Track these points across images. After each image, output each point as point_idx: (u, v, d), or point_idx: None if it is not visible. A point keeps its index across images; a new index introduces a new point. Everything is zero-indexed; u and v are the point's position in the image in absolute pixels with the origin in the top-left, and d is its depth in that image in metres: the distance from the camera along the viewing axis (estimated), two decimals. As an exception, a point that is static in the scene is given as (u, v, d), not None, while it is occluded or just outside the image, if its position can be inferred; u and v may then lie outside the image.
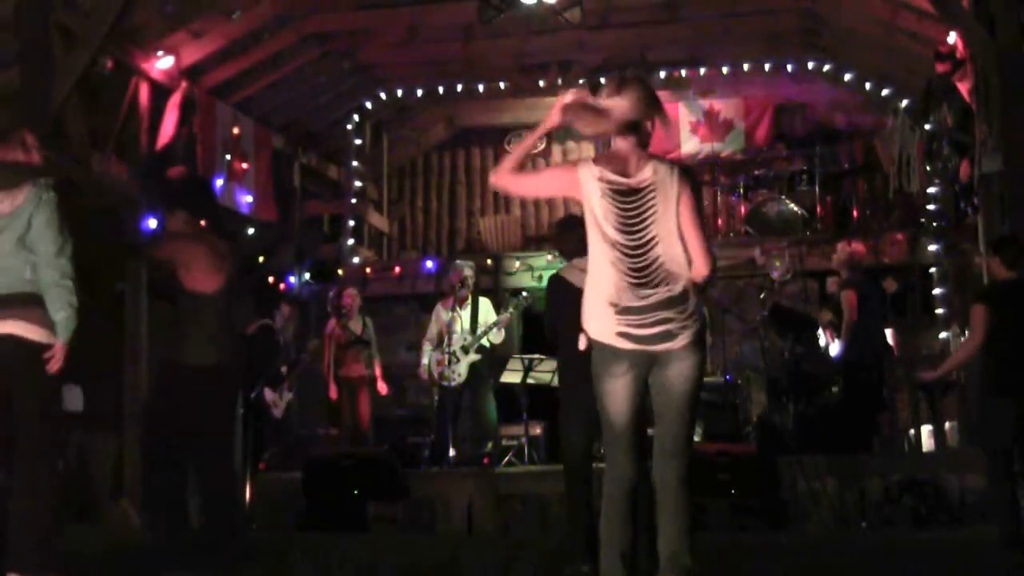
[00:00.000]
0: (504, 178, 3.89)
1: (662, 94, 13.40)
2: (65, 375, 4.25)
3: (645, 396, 3.67)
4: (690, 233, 3.63)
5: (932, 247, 10.24)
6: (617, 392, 3.62)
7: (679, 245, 3.62)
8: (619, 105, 3.69)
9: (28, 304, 4.11)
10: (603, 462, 3.78)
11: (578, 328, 3.88)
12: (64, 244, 4.17)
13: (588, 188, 3.68)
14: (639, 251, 3.59)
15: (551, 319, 5.34)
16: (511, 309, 8.93)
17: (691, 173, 3.75)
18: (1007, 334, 5.52)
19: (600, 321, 3.63)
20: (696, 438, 9.04)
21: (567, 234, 5.30)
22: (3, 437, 4.09)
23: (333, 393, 9.43)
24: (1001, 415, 5.46)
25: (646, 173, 3.64)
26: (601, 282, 3.62)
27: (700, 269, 3.64)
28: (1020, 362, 5.46)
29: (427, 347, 9.15)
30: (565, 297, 5.01)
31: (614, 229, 3.61)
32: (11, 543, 3.98)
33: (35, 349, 4.10)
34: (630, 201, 3.62)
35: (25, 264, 4.12)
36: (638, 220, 3.61)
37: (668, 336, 3.56)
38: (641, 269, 3.59)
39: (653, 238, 3.60)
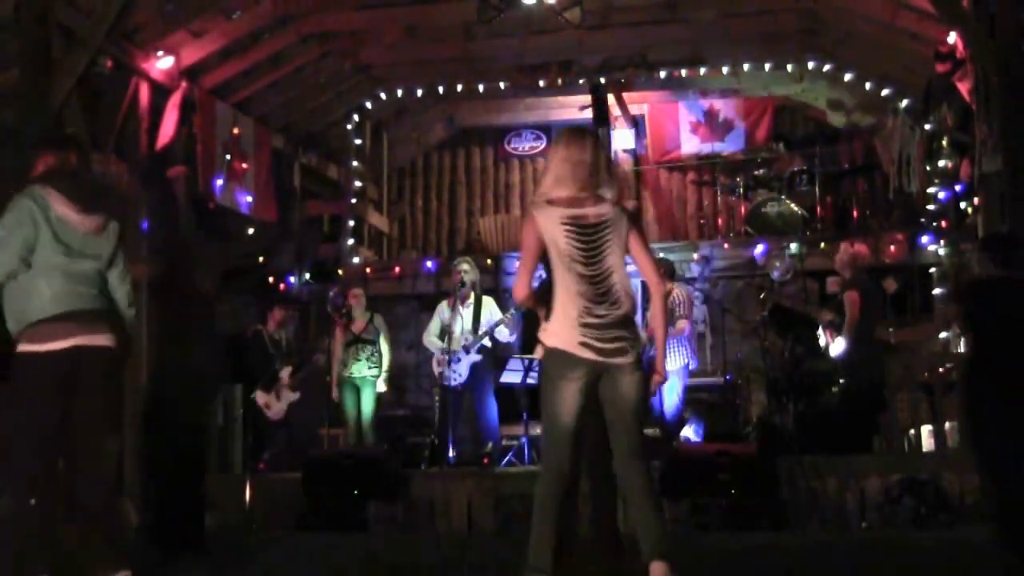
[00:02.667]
0: (523, 293, 4.38)
1: (662, 94, 13.53)
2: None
3: (587, 405, 4.10)
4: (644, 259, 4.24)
5: (932, 247, 10.24)
6: (568, 396, 4.07)
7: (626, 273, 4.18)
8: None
9: (113, 317, 4.33)
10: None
11: None
12: (128, 284, 4.48)
13: (550, 227, 4.16)
14: (599, 277, 4.11)
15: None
16: (512, 310, 8.93)
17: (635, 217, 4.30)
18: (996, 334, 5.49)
19: (564, 334, 4.10)
20: (696, 438, 9.10)
21: None
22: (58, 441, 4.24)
23: (335, 393, 9.42)
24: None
25: (603, 210, 4.16)
26: (567, 302, 4.12)
27: (657, 286, 4.26)
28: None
29: (433, 339, 9.09)
30: None
31: (577, 260, 4.12)
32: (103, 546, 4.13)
33: (118, 359, 4.33)
34: (590, 235, 4.14)
35: (104, 281, 4.36)
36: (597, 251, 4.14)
37: (622, 351, 4.06)
38: (602, 293, 4.11)
39: (610, 266, 4.13)
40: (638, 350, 4.12)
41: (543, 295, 5.43)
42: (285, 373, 9.24)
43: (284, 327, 9.57)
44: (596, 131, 3.77)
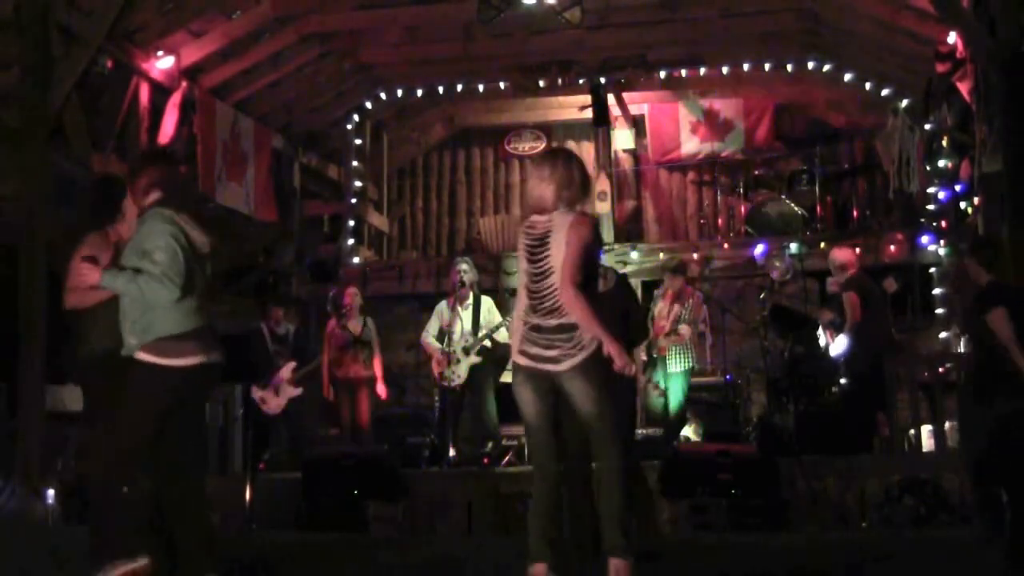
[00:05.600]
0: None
1: (662, 94, 13.53)
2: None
3: (554, 403, 4.31)
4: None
5: (932, 247, 10.24)
6: (525, 400, 4.33)
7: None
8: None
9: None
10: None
11: None
12: None
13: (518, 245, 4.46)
14: (540, 286, 4.31)
15: None
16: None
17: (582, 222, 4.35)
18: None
19: (513, 342, 4.41)
20: (696, 438, 9.09)
21: None
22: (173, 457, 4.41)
23: (328, 392, 9.40)
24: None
25: (549, 220, 4.36)
26: (519, 312, 4.40)
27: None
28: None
29: (430, 340, 9.09)
30: None
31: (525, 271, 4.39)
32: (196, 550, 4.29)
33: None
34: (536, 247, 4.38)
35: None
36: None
37: (555, 359, 4.25)
38: (541, 301, 4.31)
39: (549, 275, 4.30)
40: (580, 358, 4.23)
41: None
42: (287, 368, 9.22)
43: (285, 324, 9.56)
44: (569, 153, 3.83)
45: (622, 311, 5.29)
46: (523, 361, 4.33)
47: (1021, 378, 5.36)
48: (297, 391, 9.27)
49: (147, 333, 4.26)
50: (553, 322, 4.28)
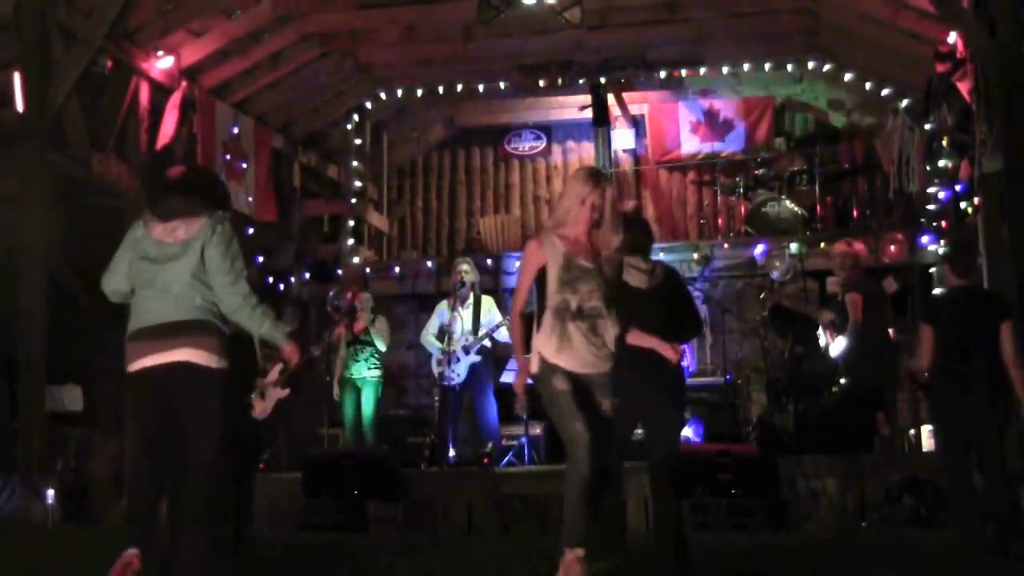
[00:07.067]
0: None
1: (662, 94, 13.48)
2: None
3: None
4: None
5: (932, 247, 10.23)
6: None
7: None
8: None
9: (199, 330, 4.19)
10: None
11: (626, 330, 4.55)
12: (239, 276, 4.27)
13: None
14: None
15: None
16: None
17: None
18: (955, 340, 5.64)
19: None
20: (695, 438, 9.09)
21: (626, 231, 5.25)
22: (170, 450, 4.19)
23: (335, 393, 9.39)
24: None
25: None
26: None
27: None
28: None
29: (430, 339, 9.08)
30: (619, 298, 4.96)
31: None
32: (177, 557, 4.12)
33: (206, 374, 4.17)
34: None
35: (196, 292, 4.22)
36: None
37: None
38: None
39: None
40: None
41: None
42: (274, 371, 9.17)
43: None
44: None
45: (670, 306, 5.06)
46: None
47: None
48: (284, 393, 9.21)
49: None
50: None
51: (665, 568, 4.69)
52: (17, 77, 7.93)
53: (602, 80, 11.67)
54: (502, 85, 12.13)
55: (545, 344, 4.33)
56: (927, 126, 9.68)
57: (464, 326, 8.88)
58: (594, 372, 4.32)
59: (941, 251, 9.98)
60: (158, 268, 4.20)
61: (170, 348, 4.14)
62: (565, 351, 4.29)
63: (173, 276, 4.19)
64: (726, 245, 11.34)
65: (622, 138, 12.81)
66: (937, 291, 10.26)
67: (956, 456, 5.70)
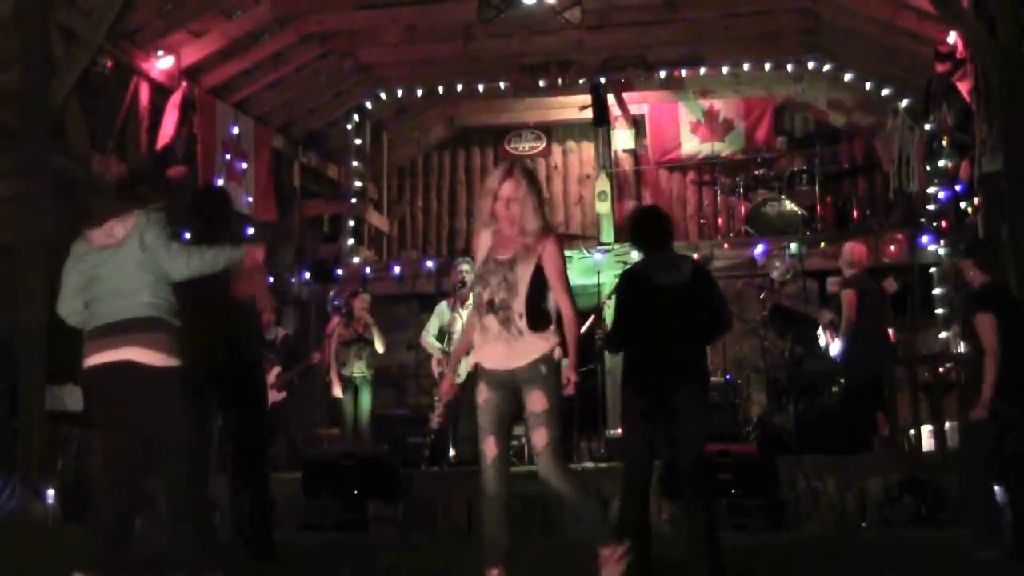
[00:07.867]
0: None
1: (662, 94, 13.47)
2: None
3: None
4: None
5: (932, 247, 10.23)
6: None
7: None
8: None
9: (147, 328, 4.20)
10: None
11: (651, 328, 4.76)
12: (179, 245, 4.33)
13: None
14: None
15: (623, 317, 5.07)
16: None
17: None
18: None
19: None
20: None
21: (650, 227, 5.18)
22: (135, 460, 4.22)
23: (336, 391, 9.38)
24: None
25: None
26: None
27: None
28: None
29: (430, 340, 9.09)
30: (643, 295, 4.96)
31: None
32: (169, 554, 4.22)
33: (150, 373, 4.17)
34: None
35: (143, 287, 4.23)
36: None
37: None
38: None
39: None
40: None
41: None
42: (272, 374, 9.18)
43: (276, 328, 9.52)
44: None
45: (698, 304, 4.91)
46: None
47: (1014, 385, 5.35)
48: (280, 396, 9.23)
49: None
50: None
51: (698, 570, 4.66)
52: (17, 77, 7.93)
53: (602, 80, 11.67)
54: (502, 85, 12.12)
55: (475, 339, 4.33)
56: (927, 126, 9.69)
57: (464, 326, 8.86)
58: (517, 367, 4.17)
59: (941, 251, 10.01)
60: (105, 271, 4.25)
61: (115, 347, 4.17)
62: (485, 345, 4.25)
63: (120, 273, 4.23)
64: (726, 245, 11.35)
65: (622, 138, 12.81)
66: (938, 291, 10.30)
67: (980, 456, 5.51)
